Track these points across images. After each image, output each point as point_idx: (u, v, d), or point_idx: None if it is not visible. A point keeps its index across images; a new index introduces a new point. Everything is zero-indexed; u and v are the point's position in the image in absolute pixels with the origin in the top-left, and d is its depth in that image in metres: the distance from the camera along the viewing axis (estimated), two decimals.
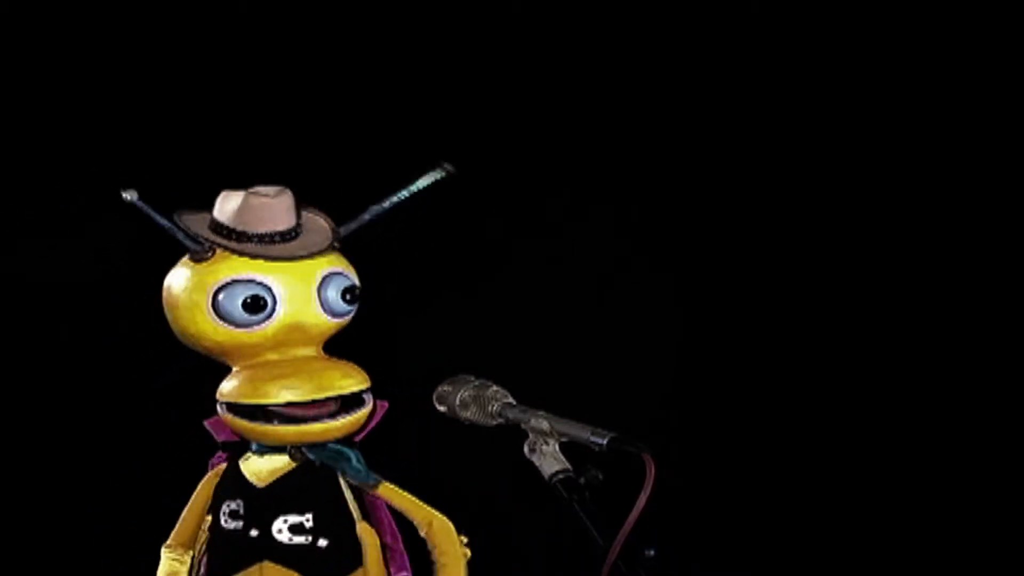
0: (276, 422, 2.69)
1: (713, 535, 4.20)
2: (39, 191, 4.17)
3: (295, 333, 2.73)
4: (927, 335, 4.56)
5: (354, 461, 2.77)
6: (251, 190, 2.76)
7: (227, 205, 2.75)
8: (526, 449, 2.16)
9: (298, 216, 2.78)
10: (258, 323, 2.71)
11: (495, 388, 2.31)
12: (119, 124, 4.20)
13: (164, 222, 2.71)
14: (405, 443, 4.01)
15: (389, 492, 2.83)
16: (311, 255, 2.74)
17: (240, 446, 2.80)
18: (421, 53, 4.42)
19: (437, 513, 2.83)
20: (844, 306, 4.62)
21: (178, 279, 2.76)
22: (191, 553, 2.77)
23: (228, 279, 2.70)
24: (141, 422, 4.13)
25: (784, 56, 4.56)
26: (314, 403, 2.69)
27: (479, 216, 4.39)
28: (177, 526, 2.80)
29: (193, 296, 2.73)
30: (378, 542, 2.76)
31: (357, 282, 2.81)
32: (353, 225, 2.85)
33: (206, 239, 2.72)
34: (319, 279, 2.74)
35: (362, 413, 2.71)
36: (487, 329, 4.33)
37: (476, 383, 2.35)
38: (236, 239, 2.71)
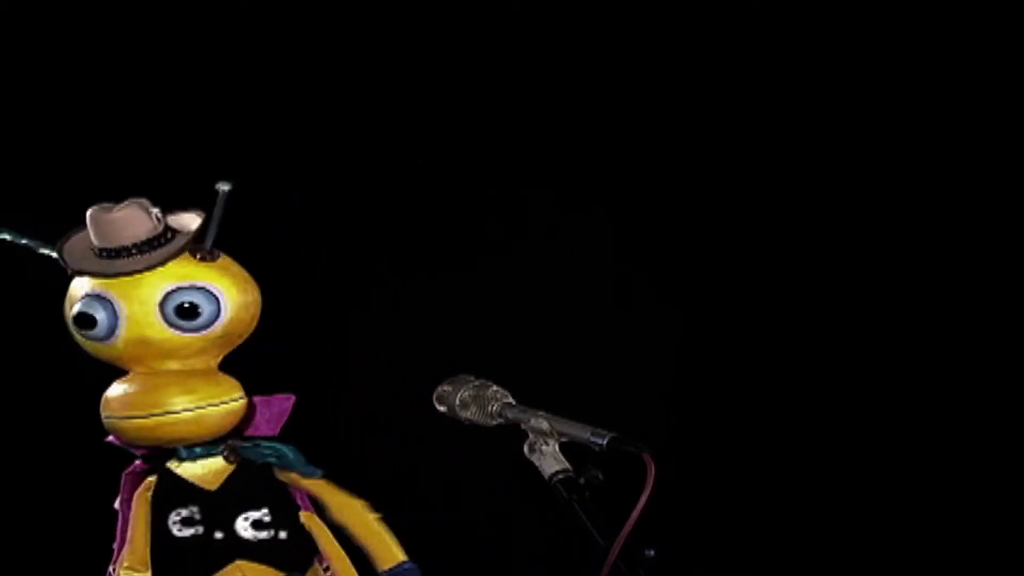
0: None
1: (713, 535, 4.20)
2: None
3: (143, 348, 2.76)
4: (927, 335, 4.55)
5: (292, 455, 2.80)
6: (100, 205, 2.77)
7: (88, 222, 2.79)
8: (526, 449, 2.16)
9: (163, 226, 2.76)
10: (101, 339, 2.76)
11: (495, 388, 2.31)
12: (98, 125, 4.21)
13: (20, 240, 2.84)
14: (405, 443, 4.01)
15: (319, 488, 2.84)
16: (142, 270, 2.73)
17: (163, 454, 2.81)
18: (421, 52, 4.42)
19: (350, 497, 2.83)
20: (844, 306, 4.62)
21: (67, 295, 2.84)
22: (149, 572, 2.76)
23: (81, 295, 2.77)
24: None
25: (784, 57, 4.56)
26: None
27: (479, 216, 4.39)
28: (129, 548, 2.77)
29: (66, 310, 2.81)
30: (324, 525, 2.79)
31: (214, 295, 2.76)
32: (209, 238, 2.81)
33: (64, 258, 2.78)
34: (161, 295, 2.74)
35: (206, 411, 2.71)
36: (487, 329, 4.32)
37: (476, 383, 2.34)
38: (97, 255, 2.75)
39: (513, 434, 2.19)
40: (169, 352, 2.76)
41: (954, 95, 4.54)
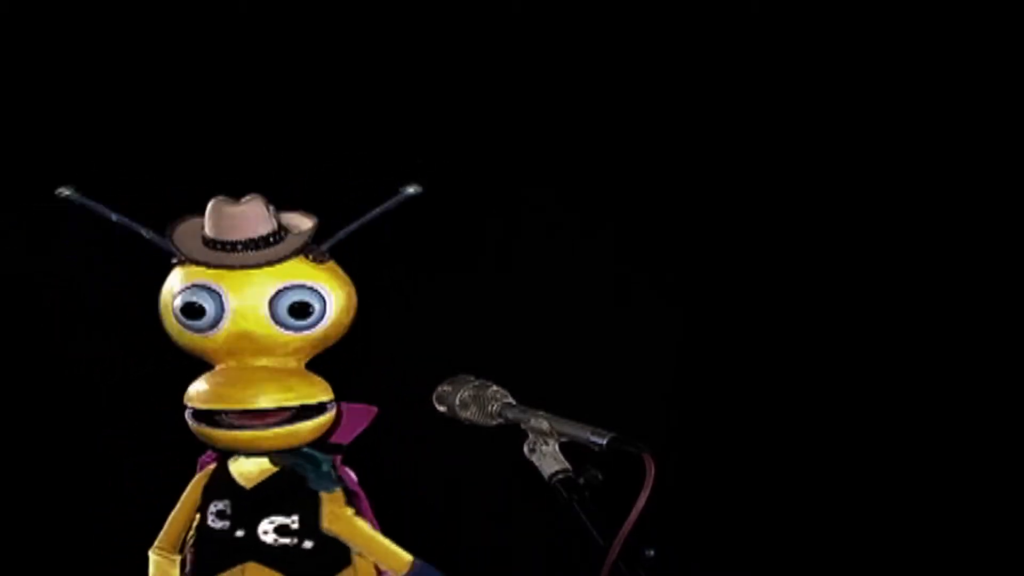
0: (216, 427, 2.74)
1: (713, 535, 4.20)
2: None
3: (244, 342, 2.75)
4: (926, 335, 4.55)
5: (323, 467, 2.77)
6: (221, 197, 2.77)
7: (207, 213, 2.78)
8: (526, 449, 2.16)
9: (277, 224, 2.77)
10: (203, 330, 2.74)
11: (495, 388, 2.31)
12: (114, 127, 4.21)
13: (123, 220, 2.78)
14: (405, 443, 4.01)
15: (337, 508, 2.79)
16: (263, 265, 2.74)
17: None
18: (423, 56, 4.42)
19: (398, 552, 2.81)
20: (843, 306, 4.62)
21: (166, 282, 2.81)
22: (179, 557, 2.77)
23: (188, 284, 2.75)
24: (131, 422, 4.13)
25: (784, 57, 4.56)
26: (261, 412, 2.71)
27: (479, 216, 4.39)
28: (165, 528, 2.80)
29: (165, 297, 2.79)
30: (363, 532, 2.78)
31: (323, 296, 2.78)
32: (330, 242, 2.84)
33: (177, 248, 2.76)
34: (273, 291, 2.74)
35: (300, 426, 2.71)
36: (487, 329, 4.33)
37: (476, 383, 2.34)
38: (210, 246, 2.74)
39: (513, 434, 2.19)
40: (267, 349, 2.76)
41: (953, 95, 4.54)
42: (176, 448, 3.78)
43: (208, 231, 2.75)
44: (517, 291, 4.45)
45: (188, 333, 2.76)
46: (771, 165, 4.58)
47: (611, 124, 4.53)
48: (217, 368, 2.78)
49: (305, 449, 2.76)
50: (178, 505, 2.81)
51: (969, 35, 4.51)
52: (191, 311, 2.73)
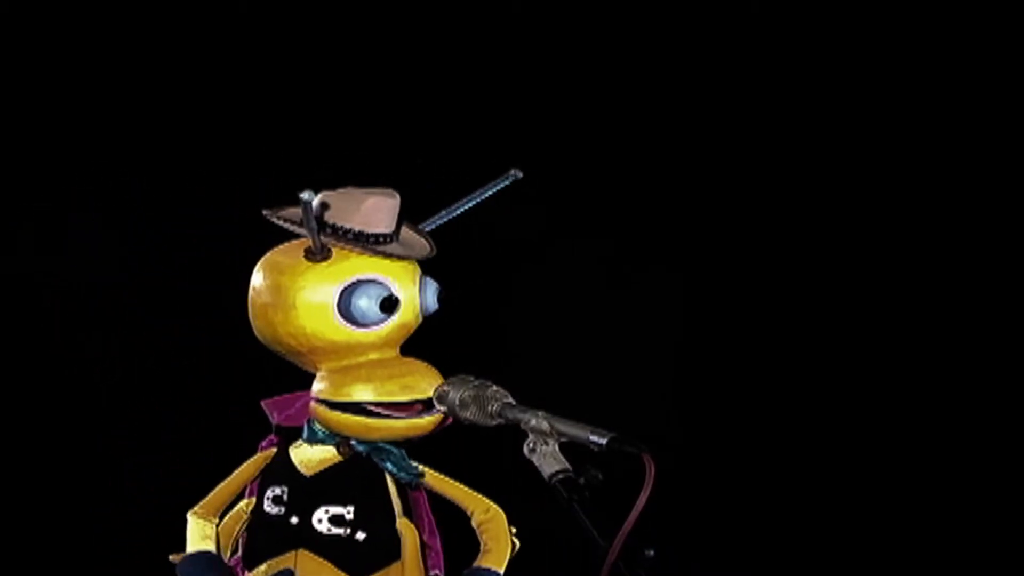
0: (366, 417, 2.69)
1: (713, 535, 4.20)
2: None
3: (400, 332, 2.73)
4: (926, 336, 4.56)
5: (398, 457, 2.77)
6: (364, 190, 2.73)
7: (340, 204, 2.70)
8: (526, 449, 2.16)
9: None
10: (380, 323, 2.69)
11: (495, 388, 2.31)
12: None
13: (312, 224, 2.65)
14: (405, 443, 4.01)
15: (438, 482, 2.83)
16: (423, 256, 2.75)
17: (292, 432, 2.80)
18: (421, 55, 4.43)
19: (491, 502, 2.84)
20: (843, 306, 4.62)
21: (286, 278, 2.70)
22: (217, 522, 2.77)
23: (354, 279, 2.68)
24: (131, 422, 4.14)
25: (785, 57, 4.56)
26: (403, 404, 2.68)
27: (479, 216, 4.39)
28: (209, 496, 2.78)
29: (315, 296, 2.68)
30: (417, 538, 2.76)
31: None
32: (431, 227, 2.85)
33: (340, 240, 2.69)
34: (419, 280, 2.75)
35: (430, 418, 2.68)
36: (487, 329, 4.32)
37: (476, 383, 2.34)
38: (358, 239, 2.68)
39: (513, 434, 2.19)
40: (405, 340, 2.74)
41: (954, 95, 4.54)
42: (176, 448, 3.79)
43: (355, 222, 2.68)
44: (517, 291, 4.45)
45: (348, 329, 2.67)
46: (771, 168, 4.58)
47: (610, 124, 4.53)
48: (343, 365, 2.70)
49: (380, 443, 2.75)
50: (229, 478, 2.79)
51: (969, 35, 4.51)
52: (390, 305, 2.67)
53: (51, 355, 4.24)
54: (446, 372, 2.53)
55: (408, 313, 2.71)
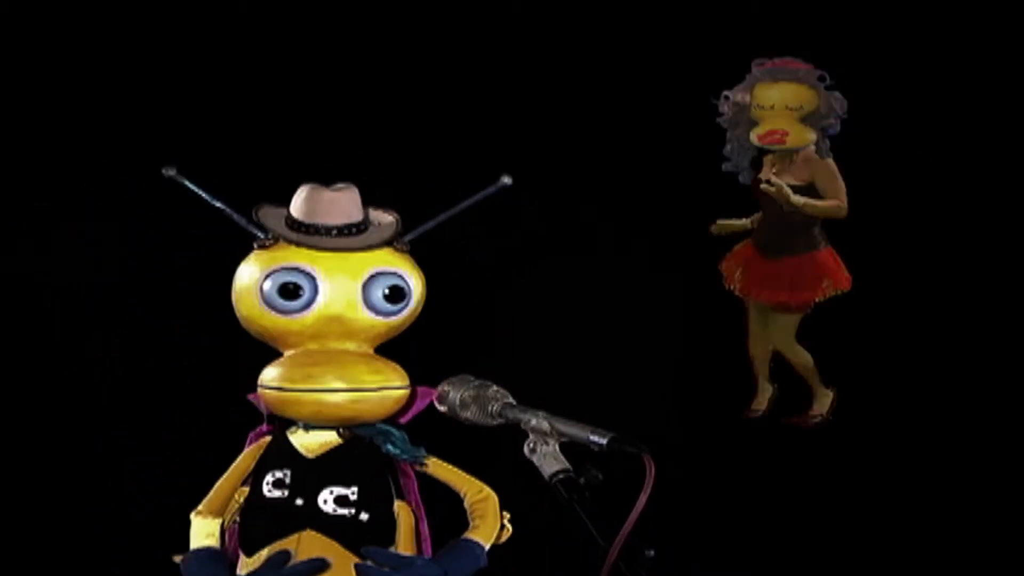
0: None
1: (713, 535, 4.20)
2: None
3: (334, 325, 2.76)
4: (926, 336, 4.56)
5: (400, 439, 2.80)
6: (314, 184, 2.79)
7: (298, 198, 2.79)
8: (526, 449, 2.16)
9: (365, 214, 2.80)
10: (296, 311, 2.74)
11: (495, 388, 2.31)
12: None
13: (223, 208, 2.77)
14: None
15: (436, 466, 2.87)
16: (359, 249, 2.76)
17: (286, 420, 2.82)
18: (422, 56, 4.43)
19: (487, 486, 2.87)
20: (843, 307, 4.62)
21: (244, 265, 2.81)
22: (220, 521, 2.79)
23: (277, 266, 2.74)
24: (131, 422, 4.14)
25: (782, 54, 4.56)
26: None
27: (478, 216, 4.39)
28: (210, 495, 2.81)
29: (246, 280, 2.78)
30: (412, 520, 2.79)
31: (409, 284, 2.81)
32: (417, 231, 2.87)
33: (270, 229, 2.76)
34: (366, 276, 2.76)
35: (378, 395, 2.73)
36: (488, 329, 4.33)
37: (476, 383, 2.34)
38: (300, 230, 2.75)
39: (513, 434, 2.19)
40: (352, 333, 2.77)
41: (954, 95, 4.54)
42: (176, 448, 3.79)
43: (300, 214, 2.75)
44: (517, 292, 4.45)
45: (272, 315, 2.75)
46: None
47: (611, 124, 4.54)
48: (301, 350, 2.77)
49: (379, 424, 2.79)
50: (227, 474, 2.82)
51: (969, 35, 4.51)
52: (287, 292, 2.72)
53: (51, 355, 4.24)
54: (446, 372, 2.52)
55: (339, 306, 2.74)
